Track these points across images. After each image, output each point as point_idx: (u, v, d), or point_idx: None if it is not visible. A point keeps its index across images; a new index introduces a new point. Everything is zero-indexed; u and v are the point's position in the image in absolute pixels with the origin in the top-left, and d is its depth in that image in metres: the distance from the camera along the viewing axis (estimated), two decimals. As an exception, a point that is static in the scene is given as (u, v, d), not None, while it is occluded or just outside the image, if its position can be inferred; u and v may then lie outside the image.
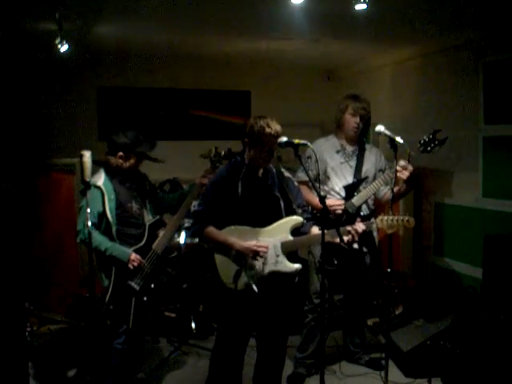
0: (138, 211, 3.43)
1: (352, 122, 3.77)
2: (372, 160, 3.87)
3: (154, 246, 3.42)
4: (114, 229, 3.30)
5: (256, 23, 4.02)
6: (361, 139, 3.91)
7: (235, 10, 3.62)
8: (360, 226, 3.03)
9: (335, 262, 3.54)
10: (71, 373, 3.75)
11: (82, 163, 2.92)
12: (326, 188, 3.78)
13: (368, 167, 3.84)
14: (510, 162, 4.10)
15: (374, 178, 3.82)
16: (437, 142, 3.47)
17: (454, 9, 3.52)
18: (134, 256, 3.29)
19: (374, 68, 5.79)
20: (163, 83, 5.85)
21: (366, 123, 3.85)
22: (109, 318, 3.36)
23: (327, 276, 3.58)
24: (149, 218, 3.49)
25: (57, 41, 3.86)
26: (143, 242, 3.38)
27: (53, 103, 5.40)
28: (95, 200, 3.25)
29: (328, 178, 3.80)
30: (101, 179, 3.33)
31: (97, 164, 3.40)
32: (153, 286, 3.39)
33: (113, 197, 3.31)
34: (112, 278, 3.28)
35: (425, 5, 3.46)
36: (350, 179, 3.79)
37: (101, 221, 3.30)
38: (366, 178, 3.79)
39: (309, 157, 3.72)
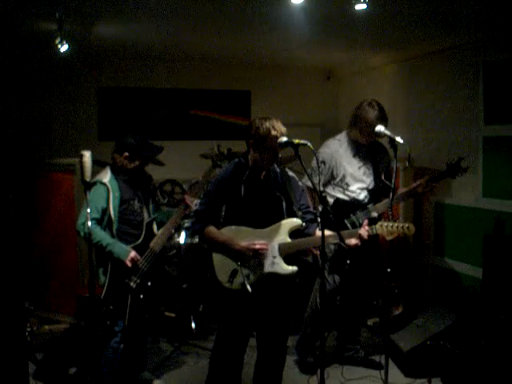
0: (139, 210, 3.48)
1: (371, 136, 3.69)
2: (383, 157, 3.91)
3: (152, 244, 3.45)
4: (115, 226, 3.35)
5: (256, 23, 4.02)
6: None
7: (235, 9, 3.62)
8: (365, 229, 3.04)
9: (348, 262, 3.66)
10: (72, 370, 3.76)
11: (82, 163, 2.91)
12: (347, 193, 3.80)
13: (381, 165, 3.90)
14: (510, 161, 4.10)
15: (387, 171, 3.91)
16: (462, 170, 3.71)
17: (454, 9, 3.52)
18: (133, 254, 3.32)
19: (373, 68, 5.79)
20: (163, 83, 5.85)
21: None
22: (105, 316, 3.38)
23: (341, 276, 3.80)
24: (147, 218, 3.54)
25: (57, 41, 3.86)
26: (140, 240, 3.42)
27: (53, 103, 5.40)
28: (100, 196, 3.31)
29: (347, 184, 3.79)
30: (107, 177, 3.38)
31: (98, 164, 3.43)
32: (150, 284, 3.42)
33: (117, 194, 3.36)
34: (108, 275, 3.31)
35: (425, 5, 3.46)
36: (368, 181, 3.83)
37: (103, 217, 3.34)
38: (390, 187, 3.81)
39: (323, 162, 3.72)
